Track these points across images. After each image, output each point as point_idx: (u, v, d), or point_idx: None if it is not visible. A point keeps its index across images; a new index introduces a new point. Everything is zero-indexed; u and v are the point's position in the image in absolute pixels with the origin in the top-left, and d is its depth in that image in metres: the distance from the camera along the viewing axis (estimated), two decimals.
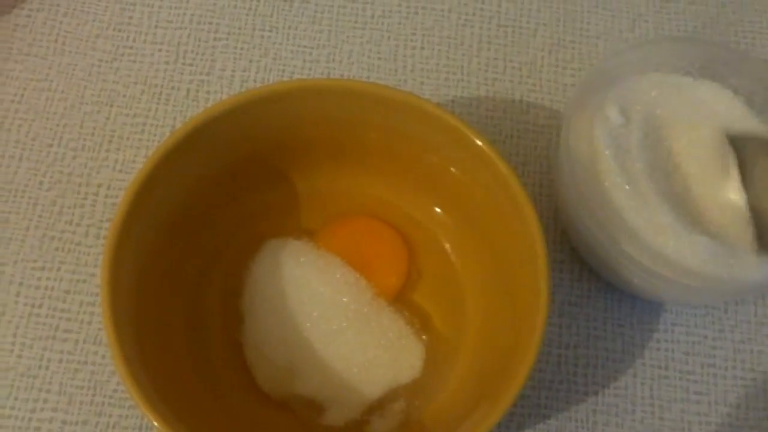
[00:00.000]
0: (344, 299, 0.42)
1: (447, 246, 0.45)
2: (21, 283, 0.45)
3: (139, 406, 0.34)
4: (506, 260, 0.40)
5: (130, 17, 0.52)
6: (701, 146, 0.44)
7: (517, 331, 0.37)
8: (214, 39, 0.51)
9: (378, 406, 0.42)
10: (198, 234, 0.42)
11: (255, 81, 0.50)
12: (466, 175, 0.41)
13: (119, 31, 0.51)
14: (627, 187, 0.41)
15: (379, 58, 0.51)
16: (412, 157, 0.42)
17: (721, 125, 0.44)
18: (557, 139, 0.43)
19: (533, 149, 0.50)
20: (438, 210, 0.45)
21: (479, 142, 0.38)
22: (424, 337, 0.43)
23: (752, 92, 0.44)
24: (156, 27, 0.51)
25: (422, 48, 0.52)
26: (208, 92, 0.50)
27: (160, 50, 0.51)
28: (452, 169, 0.41)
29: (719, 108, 0.44)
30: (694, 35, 0.53)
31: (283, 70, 0.51)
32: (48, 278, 0.45)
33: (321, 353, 0.42)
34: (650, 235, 0.40)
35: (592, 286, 0.47)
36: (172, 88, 0.50)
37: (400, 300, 0.44)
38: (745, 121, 0.44)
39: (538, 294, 0.36)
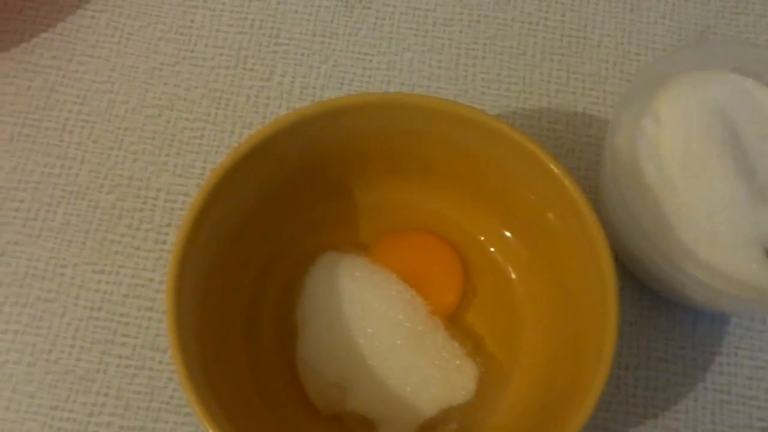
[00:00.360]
0: (399, 316, 0.42)
1: (509, 268, 0.44)
2: (81, 286, 0.45)
3: (198, 416, 0.34)
4: (572, 288, 0.39)
5: (192, 20, 0.52)
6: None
7: (579, 363, 0.37)
8: (275, 44, 0.51)
9: (430, 426, 0.41)
10: (257, 245, 0.42)
11: (314, 88, 0.50)
12: (534, 196, 0.40)
13: (181, 34, 0.51)
14: (668, 196, 0.41)
15: (440, 67, 0.51)
16: (476, 175, 0.42)
17: None
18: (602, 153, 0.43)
19: (595, 164, 0.49)
20: (502, 230, 0.44)
21: (552, 166, 0.37)
22: (477, 359, 0.42)
23: None
24: (217, 31, 0.51)
25: (484, 57, 0.51)
26: (267, 98, 0.50)
27: (221, 55, 0.51)
28: (519, 189, 0.40)
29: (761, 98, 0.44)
30: None
31: (343, 78, 0.50)
32: (107, 282, 0.45)
33: (374, 370, 0.41)
34: (697, 246, 0.40)
35: (652, 306, 0.46)
36: (232, 93, 0.50)
37: (454, 320, 0.43)
38: None
39: (606, 324, 0.35)
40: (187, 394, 0.34)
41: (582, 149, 0.49)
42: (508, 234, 0.44)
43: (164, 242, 0.46)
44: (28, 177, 0.47)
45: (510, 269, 0.44)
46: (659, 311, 0.46)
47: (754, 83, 0.45)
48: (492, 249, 0.44)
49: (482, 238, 0.44)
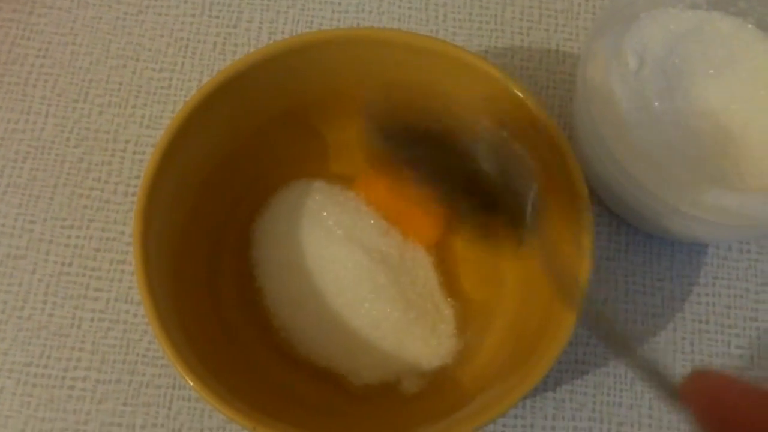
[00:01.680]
0: (375, 250, 0.41)
1: None
2: (51, 241, 0.44)
3: (176, 367, 0.33)
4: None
5: None
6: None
7: (554, 299, 0.36)
8: None
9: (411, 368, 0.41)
10: (226, 187, 0.41)
11: (283, 33, 0.49)
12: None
13: None
14: (643, 129, 0.41)
15: (410, 8, 0.50)
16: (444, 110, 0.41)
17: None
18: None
19: (568, 100, 0.48)
20: None
21: (520, 93, 0.36)
22: (452, 300, 0.42)
23: (763, 14, 0.44)
24: None
25: None
26: (235, 45, 0.49)
27: (185, 2, 0.49)
28: (488, 122, 0.40)
29: (733, 38, 0.44)
30: None
31: (312, 22, 0.49)
32: (77, 236, 0.44)
33: (340, 318, 0.40)
34: (672, 175, 0.40)
35: (630, 240, 0.45)
36: (199, 41, 0.49)
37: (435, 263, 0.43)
38: (758, 46, 0.44)
39: (582, 251, 0.35)
40: (163, 346, 0.33)
41: (556, 86, 0.48)
42: None
43: (134, 194, 0.45)
44: None
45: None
46: (636, 245, 0.45)
47: (721, 15, 0.44)
48: None
49: None
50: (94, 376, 0.42)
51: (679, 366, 0.43)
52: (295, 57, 0.38)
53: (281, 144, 0.42)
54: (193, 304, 0.38)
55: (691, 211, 0.40)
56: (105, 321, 0.43)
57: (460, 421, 0.35)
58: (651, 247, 0.45)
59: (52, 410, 0.41)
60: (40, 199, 0.45)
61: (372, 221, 0.41)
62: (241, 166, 0.41)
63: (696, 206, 0.40)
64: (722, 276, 0.45)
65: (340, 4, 0.50)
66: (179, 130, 0.36)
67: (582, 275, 0.34)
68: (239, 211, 0.42)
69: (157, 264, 0.35)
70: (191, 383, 0.33)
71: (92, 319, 0.43)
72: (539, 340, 0.35)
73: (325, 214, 0.41)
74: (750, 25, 0.44)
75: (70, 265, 0.44)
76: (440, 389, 0.40)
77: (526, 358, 0.36)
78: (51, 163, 0.46)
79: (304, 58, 0.39)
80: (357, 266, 0.40)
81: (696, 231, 0.42)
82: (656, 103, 0.42)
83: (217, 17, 0.49)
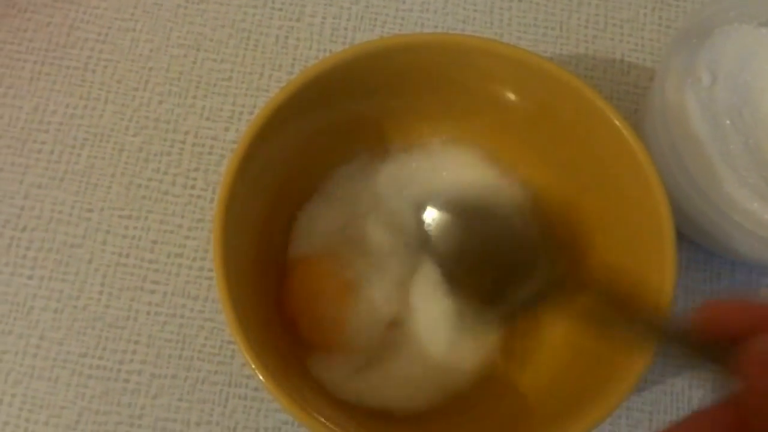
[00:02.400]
0: None
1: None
2: (108, 231, 0.44)
3: (249, 364, 0.33)
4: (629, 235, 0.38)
5: None
6: None
7: None
8: None
9: None
10: (294, 190, 0.41)
11: (346, 29, 0.48)
12: (588, 145, 0.39)
13: None
14: (714, 145, 0.40)
15: (475, 10, 0.49)
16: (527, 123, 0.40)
17: None
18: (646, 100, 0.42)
19: (632, 112, 0.48)
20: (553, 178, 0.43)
21: (614, 119, 0.36)
22: None
23: None
24: None
25: (520, 0, 0.50)
26: (297, 39, 0.48)
27: None
28: (574, 140, 0.39)
29: None
30: None
31: (375, 19, 0.49)
32: (135, 227, 0.44)
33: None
34: (744, 196, 0.40)
35: (691, 257, 0.45)
36: (261, 33, 0.48)
37: None
38: None
39: (663, 281, 0.34)
40: (239, 343, 0.33)
41: (620, 97, 0.48)
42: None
43: (193, 187, 0.45)
44: (50, 117, 0.45)
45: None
46: (697, 262, 0.45)
47: None
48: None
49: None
50: (149, 370, 0.41)
51: None
52: (379, 59, 0.37)
53: (349, 147, 0.42)
54: (261, 306, 0.38)
55: (754, 230, 0.39)
56: (161, 315, 0.42)
57: None
58: (711, 265, 0.45)
59: (107, 403, 0.41)
60: (98, 188, 0.44)
61: None
62: (312, 168, 0.41)
63: (762, 226, 0.39)
64: None
65: (404, 2, 0.49)
66: (261, 129, 0.35)
67: (663, 303, 0.34)
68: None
69: (231, 260, 0.34)
70: (262, 378, 0.32)
71: (148, 313, 0.42)
72: (612, 365, 0.35)
73: None
74: None
75: (127, 256, 0.43)
76: (493, 395, 0.40)
77: (598, 380, 0.35)
78: (109, 151, 0.45)
79: (378, 63, 0.38)
80: None
81: (758, 250, 0.42)
82: (727, 121, 0.42)
83: (280, 10, 0.49)
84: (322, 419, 0.32)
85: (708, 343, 0.28)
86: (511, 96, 0.40)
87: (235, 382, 0.41)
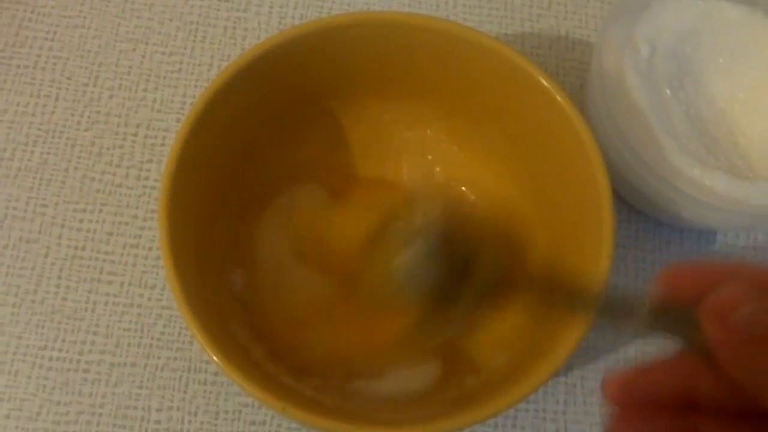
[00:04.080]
0: None
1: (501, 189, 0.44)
2: (63, 225, 0.44)
3: (201, 344, 0.33)
4: (564, 209, 0.39)
5: None
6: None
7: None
8: None
9: None
10: (243, 175, 0.41)
11: (293, 18, 0.49)
12: (526, 116, 0.39)
13: None
14: (655, 115, 0.41)
15: None
16: (465, 95, 0.41)
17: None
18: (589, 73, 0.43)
19: (579, 87, 0.48)
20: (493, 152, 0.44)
21: (543, 80, 0.37)
22: None
23: None
24: None
25: None
26: (245, 29, 0.49)
27: None
28: (512, 110, 0.40)
29: (742, 27, 0.44)
30: None
31: (322, 6, 0.49)
32: (90, 220, 0.44)
33: None
34: (685, 162, 0.40)
35: (640, 227, 0.46)
36: (208, 25, 0.49)
37: None
38: None
39: (601, 243, 0.35)
40: (191, 327, 0.33)
41: (566, 73, 0.49)
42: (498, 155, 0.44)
43: (146, 178, 0.45)
44: (2, 116, 0.46)
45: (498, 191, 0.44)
46: (646, 232, 0.46)
47: (731, 4, 0.45)
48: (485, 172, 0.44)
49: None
50: (109, 360, 0.42)
51: None
52: (315, 41, 0.38)
53: (298, 131, 0.42)
54: (210, 285, 0.38)
55: (700, 197, 0.40)
56: (119, 305, 0.43)
57: (474, 407, 0.35)
58: (660, 234, 0.46)
59: (68, 393, 0.41)
60: (51, 183, 0.45)
61: None
62: (258, 155, 0.41)
63: (705, 192, 0.40)
64: None
65: None
66: (201, 116, 0.36)
67: (600, 274, 0.34)
68: (257, 201, 0.42)
69: (183, 248, 0.35)
70: (216, 359, 0.33)
71: (106, 303, 0.43)
72: (556, 330, 0.36)
73: None
74: (758, 14, 0.45)
75: (83, 249, 0.44)
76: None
77: (542, 346, 0.36)
78: (62, 147, 0.45)
79: (324, 43, 0.39)
80: None
81: (705, 218, 0.43)
82: (667, 91, 0.43)
83: (227, 1, 0.49)
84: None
85: (669, 310, 0.28)
86: (452, 74, 0.40)
87: (194, 367, 0.42)
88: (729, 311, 0.25)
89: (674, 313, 0.28)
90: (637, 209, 0.46)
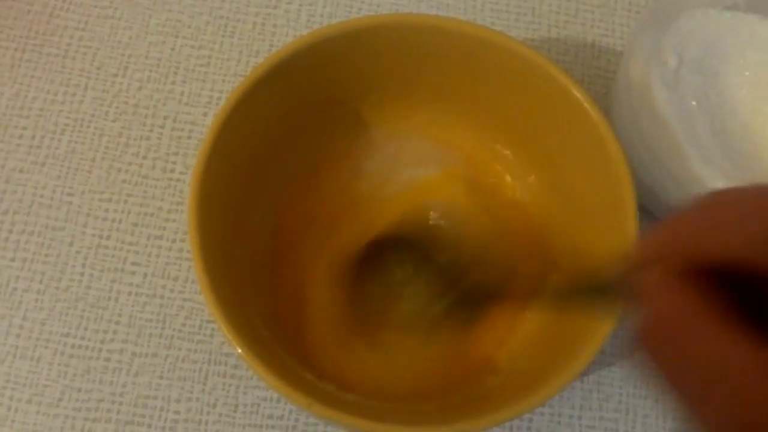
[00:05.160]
0: None
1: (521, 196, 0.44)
2: (88, 214, 0.44)
3: (230, 342, 0.33)
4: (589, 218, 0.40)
5: None
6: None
7: None
8: None
9: None
10: (272, 173, 0.42)
11: (322, 16, 0.49)
12: (551, 122, 0.40)
13: None
14: (680, 126, 0.41)
15: None
16: (490, 99, 0.41)
17: None
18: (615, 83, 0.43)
19: (604, 96, 0.49)
20: (516, 158, 0.44)
21: (575, 91, 0.37)
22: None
23: None
24: None
25: None
26: (274, 26, 0.49)
27: None
28: (537, 115, 0.40)
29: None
30: None
31: (351, 6, 0.50)
32: (115, 210, 0.45)
33: None
34: (704, 173, 0.40)
35: None
36: (238, 20, 0.49)
37: None
38: None
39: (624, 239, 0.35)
40: (213, 311, 0.33)
41: (591, 81, 0.49)
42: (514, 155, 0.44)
43: (172, 171, 0.46)
44: (31, 104, 0.46)
45: (520, 196, 0.44)
46: None
47: (759, 17, 0.45)
48: (508, 178, 0.44)
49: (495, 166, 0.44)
50: (130, 349, 0.42)
51: None
52: (348, 41, 0.38)
53: (326, 131, 0.43)
54: (242, 283, 0.38)
55: None
56: (142, 295, 0.43)
57: (496, 408, 0.35)
58: None
59: (89, 381, 0.42)
60: (78, 172, 0.45)
61: None
62: (287, 153, 0.42)
63: None
64: None
65: None
66: (231, 113, 0.36)
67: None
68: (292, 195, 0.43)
69: (211, 243, 0.35)
70: (240, 351, 0.33)
71: (129, 293, 0.43)
72: (579, 333, 0.36)
73: None
74: None
75: (108, 238, 0.44)
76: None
77: (564, 349, 0.37)
78: (90, 137, 0.46)
79: (351, 44, 0.39)
80: None
81: None
82: (693, 102, 0.43)
83: None
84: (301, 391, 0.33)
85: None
86: (479, 78, 0.41)
87: (214, 360, 0.42)
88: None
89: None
90: (657, 216, 0.46)
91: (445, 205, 0.43)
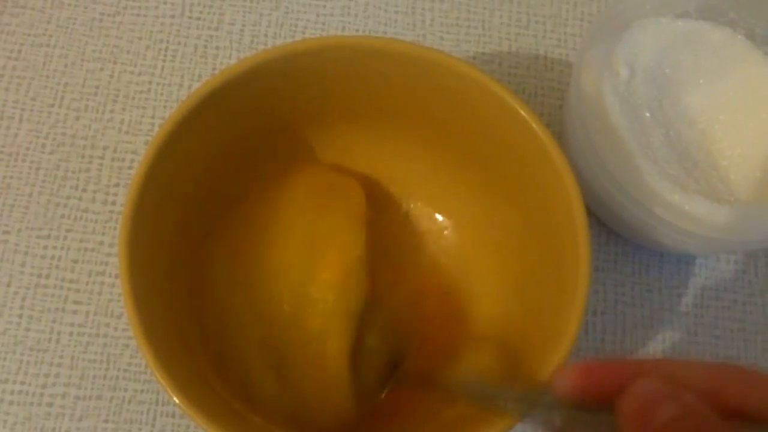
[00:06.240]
0: None
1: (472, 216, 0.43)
2: (26, 252, 0.43)
3: (165, 389, 0.32)
4: (539, 229, 0.38)
5: None
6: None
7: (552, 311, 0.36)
8: None
9: None
10: (211, 200, 0.40)
11: (266, 36, 0.48)
12: (500, 142, 0.38)
13: None
14: (634, 139, 0.40)
15: (397, 12, 0.49)
16: (439, 122, 0.40)
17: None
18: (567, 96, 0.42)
19: (558, 108, 0.48)
20: (464, 181, 0.43)
21: (518, 108, 0.35)
22: None
23: (752, 25, 0.44)
24: None
25: (441, 1, 0.49)
26: (216, 48, 0.47)
27: (164, 3, 0.48)
28: (485, 136, 0.39)
29: (723, 48, 0.44)
30: None
31: (296, 25, 0.48)
32: (54, 247, 0.43)
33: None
34: (660, 187, 0.40)
35: (619, 250, 0.45)
36: (179, 43, 0.47)
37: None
38: (749, 56, 0.44)
39: (577, 267, 0.34)
40: (150, 365, 0.32)
41: (544, 93, 0.48)
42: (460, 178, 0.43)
43: (113, 203, 0.44)
44: None
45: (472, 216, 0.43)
46: (625, 255, 0.45)
47: (711, 25, 0.44)
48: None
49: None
50: (73, 393, 0.40)
51: None
52: (291, 63, 0.36)
53: (268, 154, 0.41)
54: (173, 319, 0.37)
55: (679, 223, 0.39)
56: (84, 335, 0.41)
57: None
58: (640, 257, 0.45)
59: (30, 428, 0.40)
60: (14, 209, 0.43)
61: None
62: (228, 178, 0.40)
63: (685, 219, 0.39)
64: (710, 287, 0.45)
65: (324, 7, 0.49)
66: (168, 138, 0.34)
67: (576, 309, 0.33)
68: (227, 225, 0.41)
69: (143, 278, 0.33)
70: (177, 401, 0.31)
71: (71, 333, 0.41)
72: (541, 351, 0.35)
73: None
74: (740, 36, 0.44)
75: (47, 277, 0.42)
76: None
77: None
78: (26, 171, 0.44)
79: (292, 67, 0.37)
80: None
81: (684, 243, 0.42)
82: (647, 113, 0.42)
83: (198, 19, 0.48)
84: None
85: (584, 408, 0.27)
86: (425, 99, 0.39)
87: (163, 400, 0.41)
88: (650, 414, 0.24)
89: (588, 414, 0.27)
90: (616, 232, 0.45)
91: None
